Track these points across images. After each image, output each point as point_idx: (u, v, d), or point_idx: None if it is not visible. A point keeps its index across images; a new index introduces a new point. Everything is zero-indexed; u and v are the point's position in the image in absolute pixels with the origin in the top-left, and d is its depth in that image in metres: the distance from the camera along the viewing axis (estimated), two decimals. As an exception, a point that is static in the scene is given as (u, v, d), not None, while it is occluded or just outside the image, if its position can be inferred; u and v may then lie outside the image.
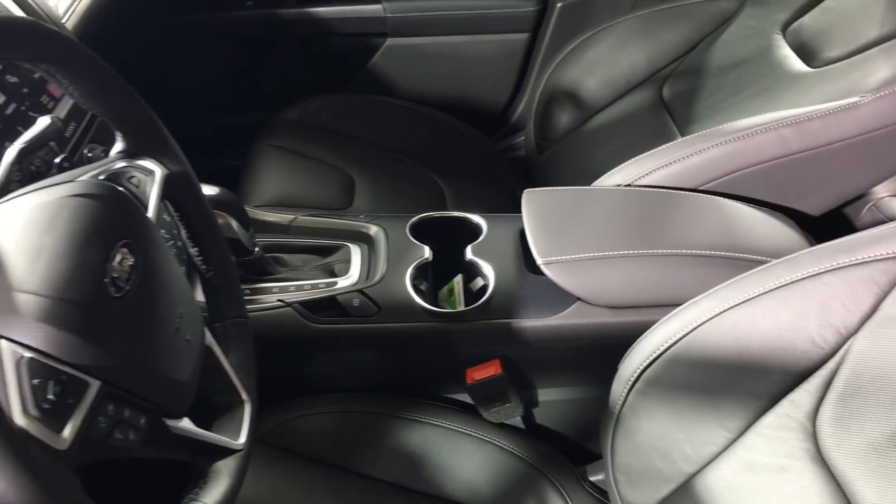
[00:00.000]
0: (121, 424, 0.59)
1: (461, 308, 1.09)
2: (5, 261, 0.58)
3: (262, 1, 1.79)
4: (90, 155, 1.02)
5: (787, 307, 0.82)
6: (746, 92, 1.32)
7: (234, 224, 1.03)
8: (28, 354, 0.54)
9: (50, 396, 0.54)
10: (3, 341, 0.54)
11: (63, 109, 1.03)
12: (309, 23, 1.80)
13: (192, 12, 1.80)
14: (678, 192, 1.13)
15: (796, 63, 1.27)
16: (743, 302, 0.84)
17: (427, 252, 1.12)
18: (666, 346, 0.88)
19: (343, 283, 1.10)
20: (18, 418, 0.51)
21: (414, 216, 1.18)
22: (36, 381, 0.53)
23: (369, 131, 1.66)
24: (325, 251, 1.19)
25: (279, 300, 1.06)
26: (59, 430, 0.53)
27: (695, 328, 0.87)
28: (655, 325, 0.91)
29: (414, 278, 1.08)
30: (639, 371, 0.90)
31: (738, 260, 1.04)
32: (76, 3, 1.19)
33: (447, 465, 1.05)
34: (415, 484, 1.04)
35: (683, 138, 1.21)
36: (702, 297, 0.89)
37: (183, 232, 0.81)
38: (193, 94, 1.92)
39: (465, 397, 1.14)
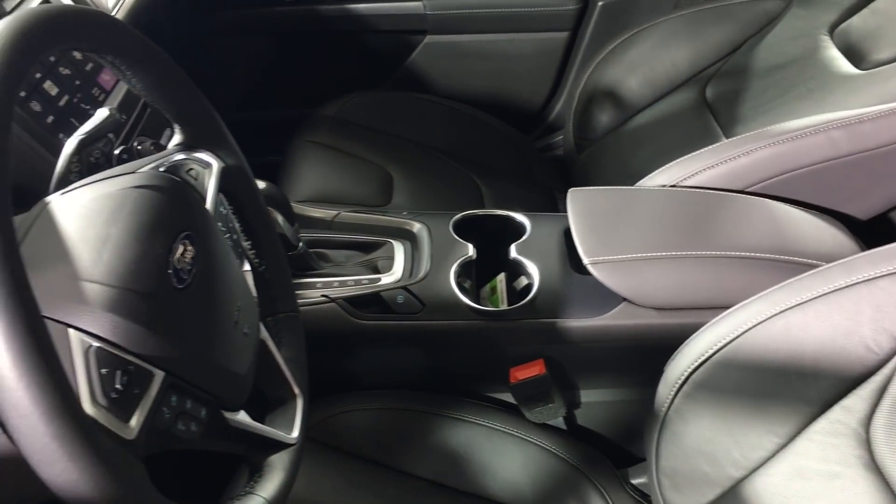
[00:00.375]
0: (183, 416, 0.60)
1: (504, 307, 1.08)
2: (72, 250, 0.58)
3: (301, -2, 1.80)
4: (139, 148, 1.02)
5: (841, 312, 0.81)
6: (793, 93, 1.30)
7: (280, 219, 1.03)
8: (96, 344, 0.54)
9: (118, 386, 0.54)
10: (72, 330, 0.54)
11: (114, 101, 1.04)
12: (348, 19, 1.80)
13: (233, 8, 1.81)
14: (726, 193, 1.11)
15: (844, 65, 1.25)
16: (796, 305, 0.83)
17: (471, 250, 1.12)
18: (715, 348, 0.87)
19: (387, 279, 1.10)
20: (88, 407, 0.52)
21: (457, 214, 1.18)
22: (104, 371, 0.54)
23: (407, 128, 1.66)
24: (367, 247, 1.19)
25: (323, 295, 1.06)
26: (127, 419, 0.54)
27: (745, 331, 0.85)
28: (704, 327, 0.90)
29: (458, 276, 1.08)
30: (686, 374, 0.89)
31: (788, 263, 1.03)
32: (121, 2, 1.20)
33: (489, 465, 1.05)
34: (456, 483, 1.04)
35: (730, 139, 1.19)
36: (752, 299, 0.88)
37: (237, 225, 0.82)
38: (233, 90, 1.93)
39: (508, 396, 1.13)
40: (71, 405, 0.46)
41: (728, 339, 0.86)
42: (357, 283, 1.09)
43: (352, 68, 1.93)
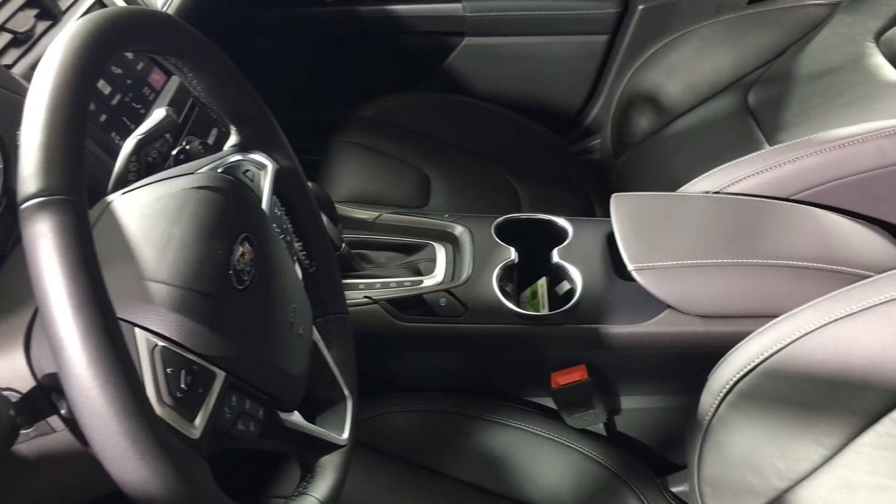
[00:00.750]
0: (243, 416, 0.60)
1: (545, 311, 1.08)
2: (136, 250, 0.59)
3: (341, -1, 1.81)
4: (188, 147, 1.03)
5: (892, 323, 0.80)
6: (838, 101, 1.29)
7: (325, 219, 1.03)
8: (161, 343, 0.55)
9: (182, 385, 0.54)
10: (138, 329, 0.55)
11: (164, 101, 1.05)
12: (388, 20, 1.81)
13: (274, 7, 1.83)
14: (771, 200, 1.10)
15: (890, 72, 1.24)
16: (845, 316, 0.82)
17: (513, 254, 1.12)
18: (762, 357, 0.86)
19: (429, 282, 1.10)
20: (155, 406, 0.52)
21: (499, 217, 1.18)
22: (169, 370, 0.54)
23: (445, 130, 1.66)
24: (409, 249, 1.19)
25: (366, 297, 1.07)
26: (192, 419, 0.54)
27: (793, 341, 0.85)
28: (750, 336, 0.89)
29: (500, 280, 1.08)
30: (731, 382, 0.89)
31: (836, 273, 1.02)
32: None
33: (529, 469, 1.05)
34: (495, 486, 1.04)
35: (775, 146, 1.18)
36: (800, 309, 0.87)
37: (289, 227, 0.82)
38: (273, 89, 1.93)
39: (548, 401, 1.13)
40: (143, 405, 0.47)
41: (775, 349, 0.85)
42: (399, 284, 1.09)
43: (390, 69, 1.94)
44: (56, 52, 0.52)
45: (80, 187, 0.48)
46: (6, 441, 0.51)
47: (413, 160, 1.55)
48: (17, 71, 0.88)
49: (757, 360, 0.86)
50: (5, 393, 0.55)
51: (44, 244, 0.46)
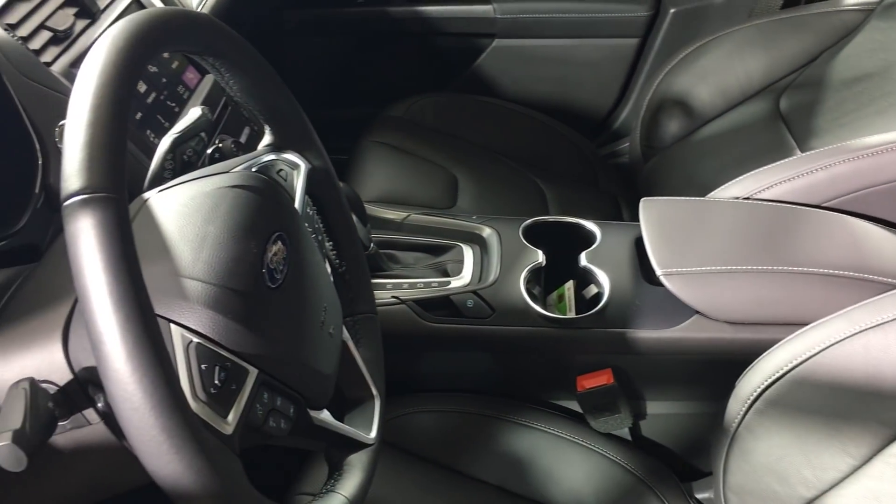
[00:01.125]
0: (274, 413, 0.61)
1: (571, 315, 1.08)
2: (172, 247, 0.60)
3: (372, -1, 1.81)
4: (221, 146, 1.05)
5: (925, 334, 0.79)
6: (872, 108, 1.27)
7: (354, 219, 1.04)
8: (196, 340, 0.56)
9: (216, 382, 0.55)
10: (173, 326, 0.56)
11: (198, 100, 1.06)
12: (418, 21, 1.82)
13: (304, 7, 1.84)
14: (803, 207, 1.09)
15: (926, 79, 1.23)
16: (877, 325, 0.82)
17: (541, 256, 1.12)
18: (791, 365, 0.86)
19: (456, 283, 1.10)
20: (190, 402, 0.53)
21: (527, 219, 1.18)
22: (203, 366, 0.55)
23: (473, 131, 1.67)
24: (436, 250, 1.20)
25: (394, 296, 1.07)
26: (225, 415, 0.55)
27: (823, 349, 0.84)
28: (779, 343, 0.89)
29: (527, 282, 1.08)
30: (759, 390, 0.88)
31: (867, 281, 1.00)
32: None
33: (553, 472, 1.05)
34: (519, 488, 1.04)
35: (808, 153, 1.17)
36: (831, 317, 0.86)
37: (320, 226, 0.83)
38: (301, 88, 1.95)
39: (573, 404, 1.13)
40: (179, 400, 0.48)
41: (804, 357, 0.85)
42: (427, 285, 1.10)
43: (420, 70, 1.94)
44: (100, 51, 0.52)
45: (121, 185, 0.49)
46: (45, 432, 0.52)
47: (441, 161, 1.56)
48: (56, 68, 0.89)
49: (786, 368, 0.86)
50: (43, 385, 0.56)
51: (86, 240, 0.47)
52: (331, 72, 1.96)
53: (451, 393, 1.12)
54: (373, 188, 1.48)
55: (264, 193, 0.68)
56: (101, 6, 1.00)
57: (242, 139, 1.10)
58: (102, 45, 0.53)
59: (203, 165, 0.79)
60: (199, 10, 1.22)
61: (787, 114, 1.44)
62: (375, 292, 1.08)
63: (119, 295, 0.46)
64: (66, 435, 0.59)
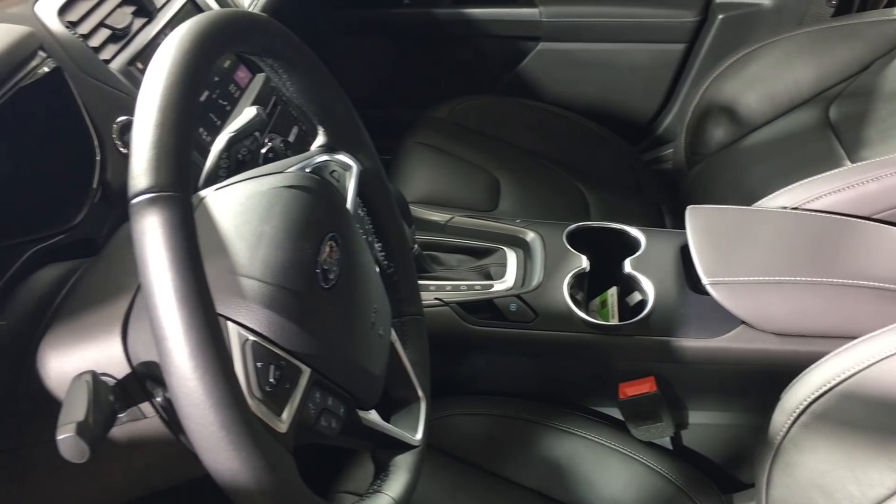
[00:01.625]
0: (325, 412, 0.61)
1: (614, 321, 1.08)
2: (230, 246, 0.61)
3: (419, 0, 1.82)
4: (270, 144, 1.06)
5: (979, 351, 0.77)
6: (925, 119, 1.25)
7: None
8: (252, 338, 0.57)
9: (271, 380, 0.56)
10: (231, 323, 0.57)
11: (249, 98, 1.07)
12: (463, 23, 1.82)
13: (351, 7, 1.85)
14: (853, 219, 1.08)
15: (981, 91, 1.20)
16: (929, 341, 0.80)
17: (584, 262, 1.11)
18: (839, 379, 0.84)
19: (499, 286, 1.10)
20: (247, 399, 0.54)
21: (571, 224, 1.17)
22: (259, 365, 0.56)
23: (516, 134, 1.66)
24: (480, 253, 1.20)
25: (437, 298, 1.08)
26: (279, 413, 0.56)
27: (872, 364, 0.83)
28: (827, 356, 0.87)
29: (570, 287, 1.08)
30: (806, 403, 0.87)
31: (920, 296, 0.99)
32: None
33: (592, 479, 1.04)
34: (558, 494, 1.03)
35: (859, 164, 1.15)
36: (882, 332, 0.85)
37: (370, 227, 0.83)
38: (347, 88, 1.97)
39: (614, 411, 1.12)
40: (238, 397, 0.49)
41: (853, 371, 0.83)
42: (470, 287, 1.10)
43: (464, 72, 1.95)
44: (168, 52, 0.53)
45: (187, 184, 0.50)
46: (107, 425, 0.53)
47: (483, 163, 1.56)
48: (114, 66, 0.91)
49: (833, 382, 0.85)
50: (102, 378, 0.57)
51: (152, 238, 0.47)
52: (376, 72, 1.97)
53: (492, 396, 1.12)
54: (415, 189, 1.48)
55: (318, 194, 0.69)
56: (158, 5, 1.02)
57: (291, 138, 1.11)
58: (170, 46, 0.54)
59: (257, 165, 0.80)
60: (251, 6, 1.23)
61: (837, 123, 1.42)
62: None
63: (184, 292, 0.47)
64: (122, 427, 0.61)
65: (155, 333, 0.48)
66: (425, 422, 0.79)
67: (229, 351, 0.55)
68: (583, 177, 1.61)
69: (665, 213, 1.62)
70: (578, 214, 1.51)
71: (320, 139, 0.77)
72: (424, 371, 0.83)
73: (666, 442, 1.12)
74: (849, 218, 1.09)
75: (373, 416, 0.70)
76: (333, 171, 0.75)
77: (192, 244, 0.49)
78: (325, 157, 0.76)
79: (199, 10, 1.09)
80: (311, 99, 0.73)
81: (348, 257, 0.68)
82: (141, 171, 0.49)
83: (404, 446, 0.75)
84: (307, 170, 0.73)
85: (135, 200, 0.49)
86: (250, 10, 1.22)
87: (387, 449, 0.74)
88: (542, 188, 1.55)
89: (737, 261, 1.03)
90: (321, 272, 0.64)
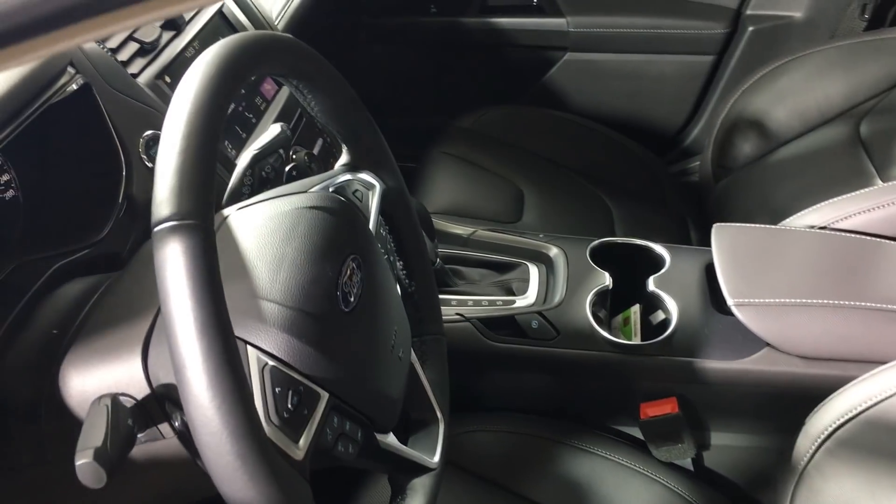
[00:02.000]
0: (343, 437, 0.61)
1: (636, 339, 1.07)
2: (251, 268, 0.61)
3: (446, 9, 1.81)
4: (294, 157, 1.06)
5: None
6: (959, 137, 1.23)
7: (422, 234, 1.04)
8: (271, 363, 0.57)
9: (289, 406, 0.56)
10: (250, 348, 0.57)
11: (275, 110, 1.08)
12: (490, 32, 1.82)
13: (379, 16, 1.85)
14: (884, 241, 1.06)
15: None
16: (960, 370, 0.79)
17: (607, 279, 1.10)
18: (865, 405, 0.83)
19: (521, 302, 1.10)
20: (264, 425, 0.54)
21: (594, 240, 1.16)
22: (278, 390, 0.56)
23: (542, 145, 1.65)
24: (502, 268, 1.19)
25: (458, 314, 1.07)
26: (296, 439, 0.56)
27: (900, 391, 0.81)
28: (854, 381, 0.86)
29: (593, 305, 1.07)
30: (831, 429, 0.86)
31: (951, 322, 0.97)
32: (287, 7, 1.25)
33: (612, 500, 1.03)
34: (577, 514, 1.03)
35: (890, 183, 1.13)
36: (911, 358, 0.84)
37: (392, 246, 0.83)
38: (374, 95, 1.97)
39: (635, 431, 1.11)
40: (255, 427, 0.49)
41: (881, 398, 0.82)
42: (492, 303, 1.09)
43: (490, 81, 1.94)
44: (194, 78, 0.54)
45: (209, 213, 0.50)
46: (125, 449, 0.54)
47: (508, 174, 1.55)
48: (142, 80, 0.92)
49: (860, 408, 0.83)
50: (121, 399, 0.57)
51: (173, 266, 0.48)
52: (402, 80, 1.97)
53: (512, 413, 1.11)
54: (439, 199, 1.48)
55: (341, 215, 0.69)
56: (186, 18, 1.02)
57: (315, 151, 1.11)
58: (196, 71, 0.54)
59: (281, 182, 0.80)
60: (280, 16, 1.24)
61: (868, 140, 1.40)
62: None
63: (203, 321, 0.47)
64: (141, 447, 0.61)
65: (174, 362, 0.48)
66: (443, 444, 0.78)
67: (248, 376, 0.55)
68: (608, 189, 1.59)
69: (691, 227, 1.61)
70: (603, 227, 1.50)
71: (344, 158, 0.77)
72: (444, 392, 0.83)
73: (687, 463, 1.10)
74: (879, 239, 1.07)
75: (390, 439, 0.70)
76: (356, 190, 0.75)
77: (213, 273, 0.49)
78: (348, 177, 0.76)
79: (226, 22, 1.10)
80: (336, 119, 0.73)
81: (369, 279, 0.68)
82: (164, 198, 0.49)
83: (422, 469, 0.74)
84: (330, 189, 0.73)
85: (157, 228, 0.49)
86: (278, 21, 1.23)
87: (405, 472, 0.74)
88: (567, 200, 1.55)
89: (763, 281, 1.02)
90: (341, 294, 0.64)
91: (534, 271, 1.16)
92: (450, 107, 1.77)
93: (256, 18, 1.13)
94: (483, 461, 1.05)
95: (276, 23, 1.20)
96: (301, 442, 0.56)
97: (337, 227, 0.67)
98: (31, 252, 0.76)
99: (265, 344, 0.57)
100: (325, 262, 0.64)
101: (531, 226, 1.45)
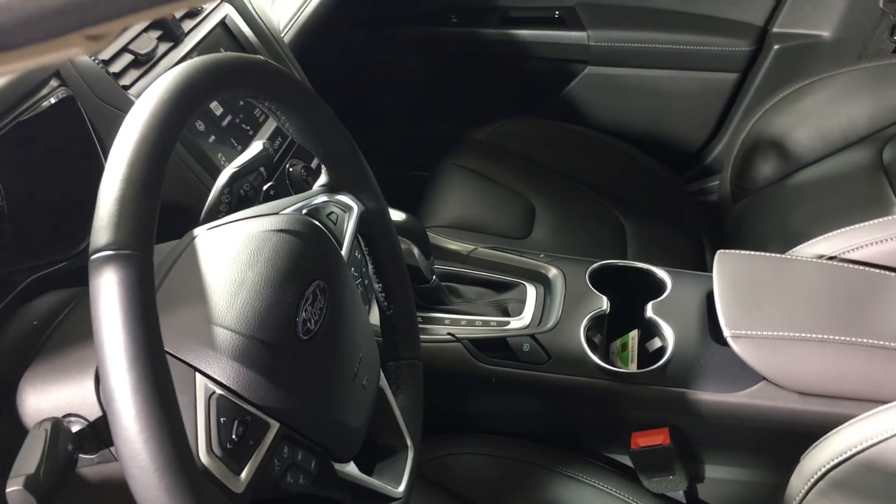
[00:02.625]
0: (293, 468, 0.60)
1: (633, 366, 1.04)
2: (209, 292, 0.60)
3: (467, 20, 1.80)
4: (291, 170, 1.06)
5: None
6: (985, 167, 1.18)
7: (416, 251, 1.03)
8: (219, 391, 0.56)
9: (233, 436, 0.55)
10: (199, 375, 0.56)
11: (273, 124, 1.07)
12: (510, 44, 1.80)
13: (399, 24, 1.85)
14: (893, 274, 1.02)
15: None
16: (962, 415, 0.75)
17: (605, 303, 1.08)
18: (862, 447, 0.80)
19: (515, 324, 1.08)
20: (203, 456, 0.53)
21: (595, 262, 1.14)
22: (223, 420, 0.55)
23: (557, 159, 1.63)
24: (500, 287, 1.18)
25: (449, 333, 1.06)
26: (238, 471, 0.55)
27: (898, 433, 0.78)
28: (852, 420, 0.83)
29: (588, 330, 1.05)
30: (824, 469, 0.83)
31: (958, 364, 0.93)
32: (295, 20, 1.24)
33: (599, 530, 1.01)
34: (563, 542, 1.01)
35: (905, 214, 1.10)
36: (912, 400, 0.80)
37: (370, 267, 0.82)
38: (391, 104, 1.97)
39: (625, 459, 1.09)
40: (186, 462, 0.48)
41: (878, 439, 0.79)
42: (485, 324, 1.08)
43: (508, 93, 1.92)
44: (144, 104, 0.53)
45: (148, 243, 0.49)
46: (60, 477, 0.53)
47: (520, 189, 1.53)
48: (133, 92, 0.92)
49: (856, 449, 0.80)
50: (71, 419, 0.57)
51: (107, 297, 0.47)
52: (420, 89, 1.97)
53: (500, 436, 1.09)
54: (447, 212, 1.46)
55: (309, 240, 0.68)
56: (186, 29, 1.02)
57: (313, 164, 1.10)
58: (148, 97, 0.54)
59: (259, 201, 0.79)
60: (286, 30, 1.24)
61: (891, 165, 1.35)
62: (431, 327, 1.07)
63: (133, 354, 0.47)
64: (94, 468, 0.61)
65: (104, 393, 0.47)
66: (411, 473, 0.77)
67: (193, 403, 0.55)
68: (622, 206, 1.57)
69: (707, 247, 1.57)
70: (614, 245, 1.47)
71: (322, 178, 0.77)
72: (416, 419, 0.82)
73: (679, 495, 1.07)
74: (887, 272, 1.03)
75: (350, 468, 0.68)
76: (331, 212, 0.74)
77: (148, 305, 0.48)
78: (324, 198, 0.75)
79: (229, 33, 1.09)
80: (312, 139, 0.72)
81: (333, 305, 0.67)
82: (101, 226, 0.49)
83: (384, 498, 0.73)
84: (304, 211, 0.72)
85: (93, 256, 0.48)
86: (284, 33, 1.23)
87: (364, 501, 0.72)
88: (579, 216, 1.52)
89: (762, 313, 0.99)
90: (301, 321, 0.63)
91: (531, 292, 1.14)
92: (466, 117, 1.76)
93: (261, 31, 1.12)
94: (467, 484, 1.04)
95: (282, 35, 1.20)
96: (243, 475, 0.55)
97: (303, 252, 0.66)
98: (10, 263, 0.76)
99: (214, 371, 0.57)
100: (285, 288, 0.63)
101: (539, 242, 1.43)
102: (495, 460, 1.06)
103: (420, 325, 1.06)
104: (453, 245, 1.22)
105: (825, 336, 0.96)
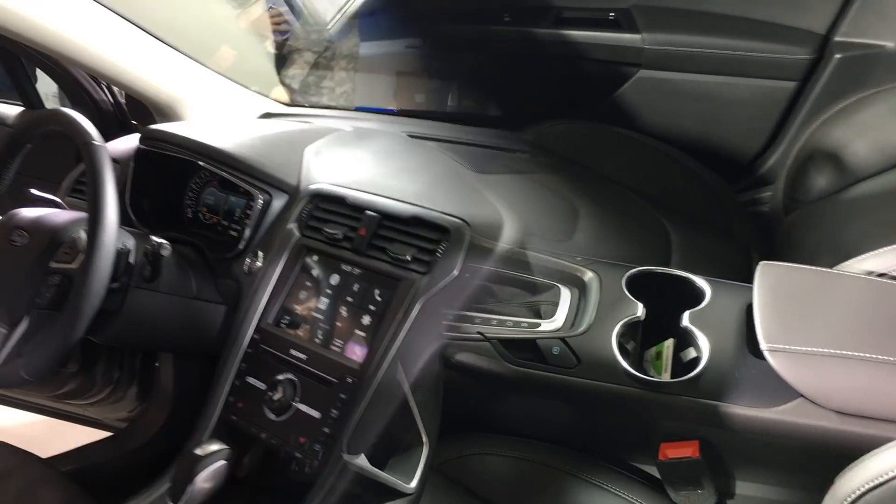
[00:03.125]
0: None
1: (667, 375, 1.01)
2: None
3: (520, 19, 1.79)
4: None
5: None
6: None
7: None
8: None
9: None
10: None
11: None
12: (563, 44, 1.78)
13: (451, 22, 1.84)
14: (944, 295, 0.98)
15: None
16: None
17: (640, 310, 1.05)
18: (899, 472, 0.76)
19: (546, 326, 1.06)
20: None
21: (633, 268, 1.11)
22: None
23: (604, 163, 1.61)
24: (535, 288, 1.16)
25: (479, 332, 1.04)
26: None
27: (939, 460, 0.74)
28: (891, 444, 0.79)
29: (621, 336, 1.02)
30: (859, 492, 0.79)
31: None
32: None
33: (622, 541, 0.99)
34: (584, 551, 0.99)
35: (963, 233, 1.05)
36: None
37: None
38: (440, 100, 1.96)
39: (653, 470, 1.06)
40: None
41: (917, 465, 0.75)
42: (516, 324, 1.06)
43: (559, 94, 1.90)
44: None
45: None
46: None
47: (565, 192, 1.51)
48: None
49: (893, 473, 0.77)
50: None
51: None
52: (470, 89, 1.95)
53: (525, 439, 1.08)
54: (487, 212, 1.44)
55: None
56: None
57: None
58: None
59: None
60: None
61: (951, 183, 1.30)
62: (462, 325, 1.05)
63: None
64: None
65: None
66: (424, 468, 0.76)
67: None
68: (670, 213, 1.53)
69: (754, 259, 1.53)
70: (658, 252, 1.44)
71: None
72: (433, 415, 0.81)
73: (708, 511, 1.04)
74: (941, 293, 0.99)
75: (360, 460, 0.68)
76: None
77: None
78: None
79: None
80: None
81: None
82: None
83: (396, 494, 0.72)
84: None
85: None
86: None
87: (378, 496, 0.72)
88: (622, 222, 1.49)
89: (803, 327, 0.95)
90: None
91: (565, 295, 1.12)
92: (516, 117, 1.74)
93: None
94: (491, 486, 1.02)
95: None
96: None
97: None
98: None
99: None
100: None
101: (581, 246, 1.40)
102: (518, 462, 1.04)
103: (451, 323, 1.05)
104: (490, 244, 1.21)
105: (867, 355, 0.92)
